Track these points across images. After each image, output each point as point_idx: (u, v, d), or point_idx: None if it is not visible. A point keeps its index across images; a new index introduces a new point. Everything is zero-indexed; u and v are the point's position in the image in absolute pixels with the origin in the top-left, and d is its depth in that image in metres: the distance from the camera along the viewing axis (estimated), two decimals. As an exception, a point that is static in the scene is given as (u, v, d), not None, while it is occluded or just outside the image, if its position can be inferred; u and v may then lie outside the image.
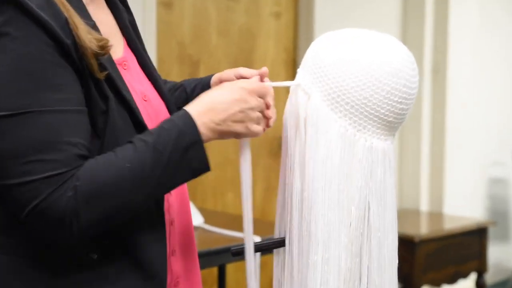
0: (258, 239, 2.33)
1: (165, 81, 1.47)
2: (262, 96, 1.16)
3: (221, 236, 2.39)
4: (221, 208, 3.32)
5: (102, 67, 1.11)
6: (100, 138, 1.10)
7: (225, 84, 1.17)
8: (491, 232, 4.21)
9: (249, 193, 1.21)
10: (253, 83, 1.16)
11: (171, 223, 1.23)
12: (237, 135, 1.15)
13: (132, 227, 1.13)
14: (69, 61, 1.07)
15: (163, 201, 1.18)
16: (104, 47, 1.11)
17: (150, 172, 1.06)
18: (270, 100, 1.19)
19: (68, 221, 1.02)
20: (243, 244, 1.21)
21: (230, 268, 3.18)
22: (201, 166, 1.12)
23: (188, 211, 1.30)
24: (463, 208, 4.23)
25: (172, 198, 1.23)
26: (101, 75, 1.10)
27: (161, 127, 1.10)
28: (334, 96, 1.14)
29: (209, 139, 1.13)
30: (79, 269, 1.10)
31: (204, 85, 1.40)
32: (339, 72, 1.13)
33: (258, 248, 1.22)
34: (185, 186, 1.27)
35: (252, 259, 1.22)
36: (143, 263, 1.13)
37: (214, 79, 1.37)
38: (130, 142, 1.08)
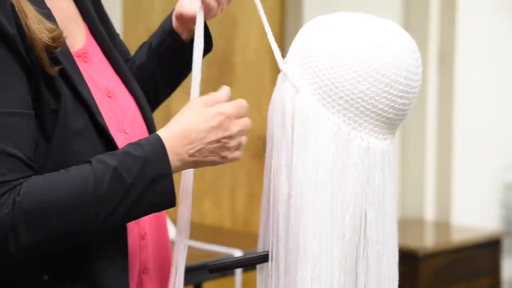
0: (239, 253, 2.34)
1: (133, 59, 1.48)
2: (241, 116, 1.17)
3: (198, 250, 2.40)
4: (197, 219, 3.32)
5: (55, 61, 1.11)
6: (48, 141, 1.10)
7: (200, 108, 1.16)
8: (506, 243, 4.24)
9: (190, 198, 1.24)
10: (231, 106, 1.17)
11: (142, 237, 1.23)
12: (213, 165, 1.18)
13: (86, 249, 1.14)
14: (12, 54, 1.06)
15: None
16: (57, 39, 1.11)
17: (105, 199, 1.07)
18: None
19: (4, 238, 1.03)
20: (221, 260, 1.22)
21: (208, 287, 3.17)
22: (165, 202, 1.13)
23: (164, 224, 1.31)
24: (473, 217, 4.26)
25: None
26: (52, 71, 1.10)
27: (127, 151, 1.11)
28: (326, 90, 1.14)
29: (180, 170, 1.15)
30: None
31: (165, 31, 1.41)
32: (332, 62, 1.14)
33: (239, 263, 1.22)
34: None
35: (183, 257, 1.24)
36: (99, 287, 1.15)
37: (175, 16, 1.38)
38: (88, 162, 1.09)
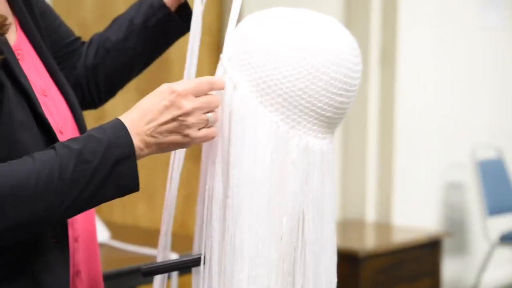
0: (175, 256, 2.33)
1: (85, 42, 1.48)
2: (201, 93, 1.15)
3: (131, 253, 2.37)
4: (131, 221, 3.29)
5: None
6: None
7: (160, 87, 1.16)
8: (447, 244, 4.31)
9: (173, 207, 1.24)
10: (186, 83, 1.15)
11: (75, 239, 1.23)
12: (180, 146, 1.16)
13: (28, 245, 1.14)
14: None
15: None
16: (2, 26, 1.11)
17: (71, 184, 1.08)
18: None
19: None
20: (156, 263, 1.21)
21: (143, 291, 3.15)
22: (129, 185, 1.13)
23: (94, 227, 1.31)
24: (414, 218, 4.32)
25: None
26: None
27: (90, 135, 1.11)
28: (264, 87, 1.14)
29: (145, 154, 1.14)
30: None
31: (154, 6, 1.43)
32: (270, 59, 1.14)
33: (173, 266, 1.22)
34: None
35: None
36: (42, 286, 1.15)
37: None
38: (52, 147, 1.09)
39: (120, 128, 1.12)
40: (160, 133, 1.13)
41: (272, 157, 1.14)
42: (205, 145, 1.20)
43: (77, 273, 1.24)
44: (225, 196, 1.14)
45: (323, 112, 1.15)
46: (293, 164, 1.15)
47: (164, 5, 1.42)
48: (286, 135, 1.15)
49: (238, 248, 1.13)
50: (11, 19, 1.22)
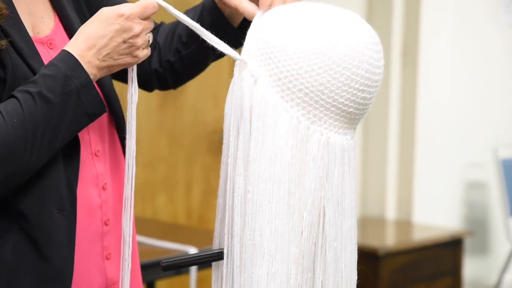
0: (194, 250, 2.34)
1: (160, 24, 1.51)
2: (146, 16, 1.22)
3: (151, 247, 2.39)
4: (150, 214, 3.31)
5: (5, 34, 1.17)
6: None
7: (102, 12, 1.22)
8: (468, 243, 4.29)
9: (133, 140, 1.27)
10: (131, 6, 1.21)
11: (105, 222, 1.28)
12: (128, 66, 1.23)
13: (32, 212, 1.19)
14: None
15: (76, 181, 1.23)
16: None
17: (42, 125, 1.14)
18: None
19: None
20: (175, 257, 1.21)
21: (161, 285, 3.17)
22: (96, 109, 1.20)
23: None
24: (435, 216, 4.30)
25: (107, 195, 1.29)
26: None
27: (43, 74, 1.17)
28: (285, 82, 1.14)
29: (97, 78, 1.21)
30: None
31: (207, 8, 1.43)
32: (291, 54, 1.14)
33: (193, 261, 1.23)
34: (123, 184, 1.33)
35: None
36: (45, 258, 1.19)
37: None
38: (12, 96, 1.15)
39: (71, 59, 1.18)
40: (111, 56, 1.20)
41: (292, 152, 1.14)
42: (226, 140, 1.21)
43: (107, 256, 1.29)
44: (246, 191, 1.15)
45: (345, 108, 1.15)
46: (314, 160, 1.15)
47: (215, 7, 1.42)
48: (307, 131, 1.15)
49: (258, 243, 1.13)
50: (49, 14, 1.30)
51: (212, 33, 1.25)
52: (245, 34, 1.23)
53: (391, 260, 3.53)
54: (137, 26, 1.20)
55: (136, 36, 1.20)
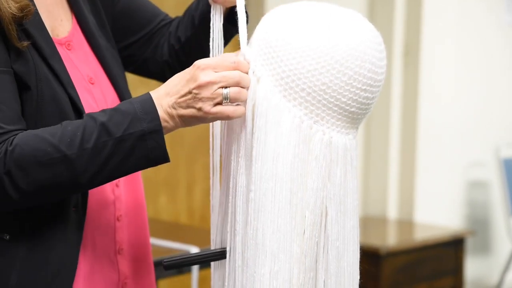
0: (196, 249, 2.34)
1: (167, 19, 1.52)
2: (222, 69, 1.15)
3: (152, 247, 2.38)
4: (152, 214, 3.31)
5: (26, 34, 1.19)
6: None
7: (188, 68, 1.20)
8: (469, 243, 4.29)
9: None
10: (209, 59, 1.17)
11: (118, 218, 1.31)
12: (199, 120, 1.17)
13: (45, 210, 1.21)
14: None
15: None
16: (24, 9, 1.17)
17: (93, 152, 1.14)
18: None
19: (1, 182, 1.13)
20: (177, 256, 1.22)
21: (163, 284, 3.17)
22: (159, 157, 1.18)
23: (142, 205, 1.38)
24: (437, 216, 4.30)
25: (120, 191, 1.31)
26: (20, 45, 1.17)
27: (117, 108, 1.16)
28: (287, 81, 1.14)
29: (171, 126, 1.17)
30: None
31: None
32: (294, 53, 1.14)
33: (195, 260, 1.23)
34: (137, 179, 1.37)
35: None
36: (49, 255, 1.22)
37: None
38: (81, 118, 1.17)
39: (147, 101, 1.16)
40: (179, 104, 1.16)
41: (294, 152, 1.14)
42: (228, 139, 1.21)
43: (119, 250, 1.31)
44: (248, 190, 1.15)
45: (347, 107, 1.15)
46: (316, 159, 1.15)
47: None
48: (309, 130, 1.15)
49: (260, 242, 1.13)
50: (67, 15, 1.33)
51: (202, 24, 1.26)
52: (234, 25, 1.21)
53: (392, 259, 3.53)
54: (204, 77, 1.14)
55: (200, 87, 1.14)
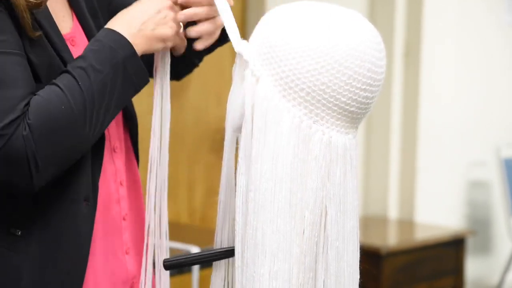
0: (196, 249, 2.34)
1: None
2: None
3: (153, 246, 2.39)
4: (153, 213, 3.31)
5: (39, 25, 1.22)
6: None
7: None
8: (470, 242, 4.29)
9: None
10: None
11: (124, 218, 1.33)
12: (164, 40, 1.29)
13: (55, 205, 1.23)
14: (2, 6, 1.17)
15: (99, 172, 1.28)
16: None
17: (98, 96, 1.19)
18: None
19: (27, 160, 1.14)
20: (178, 256, 1.22)
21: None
22: (141, 79, 1.26)
23: (142, 206, 1.40)
24: (437, 216, 4.31)
25: (124, 190, 1.34)
26: (33, 34, 1.20)
27: (91, 49, 1.23)
28: (287, 81, 1.14)
29: (141, 50, 1.26)
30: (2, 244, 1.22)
31: None
32: (293, 53, 1.14)
33: (196, 260, 1.23)
34: (138, 180, 1.40)
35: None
36: (60, 251, 1.24)
37: None
38: (65, 72, 1.21)
39: (113, 34, 1.25)
40: (147, 24, 1.27)
41: (294, 152, 1.14)
42: (227, 138, 1.21)
43: (127, 250, 1.34)
44: (248, 190, 1.15)
45: (347, 107, 1.15)
46: (316, 159, 1.15)
47: None
48: (309, 130, 1.15)
49: (260, 243, 1.13)
50: (68, 12, 1.35)
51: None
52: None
53: (393, 259, 3.53)
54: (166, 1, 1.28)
55: (171, 7, 1.29)
